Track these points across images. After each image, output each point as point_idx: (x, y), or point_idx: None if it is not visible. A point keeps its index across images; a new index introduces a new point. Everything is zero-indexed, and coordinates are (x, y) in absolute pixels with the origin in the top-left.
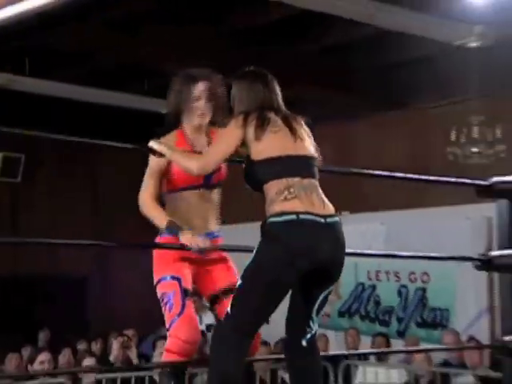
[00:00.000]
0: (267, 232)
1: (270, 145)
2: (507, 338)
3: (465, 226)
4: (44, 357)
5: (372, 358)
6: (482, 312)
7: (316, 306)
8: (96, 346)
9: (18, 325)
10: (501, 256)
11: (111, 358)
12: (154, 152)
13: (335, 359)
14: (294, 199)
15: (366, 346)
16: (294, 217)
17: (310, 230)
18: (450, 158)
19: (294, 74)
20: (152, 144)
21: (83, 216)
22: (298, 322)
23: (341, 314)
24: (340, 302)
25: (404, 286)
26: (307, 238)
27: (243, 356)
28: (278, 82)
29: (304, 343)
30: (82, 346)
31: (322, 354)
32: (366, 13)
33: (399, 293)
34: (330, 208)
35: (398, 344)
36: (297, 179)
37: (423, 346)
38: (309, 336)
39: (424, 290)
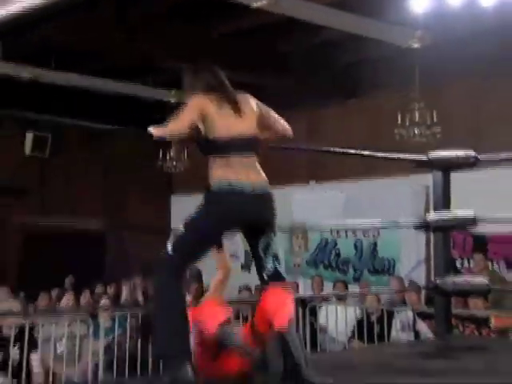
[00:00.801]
0: (206, 195)
1: (219, 125)
2: (438, 281)
3: (408, 193)
4: (68, 297)
5: (333, 300)
6: (420, 261)
7: (260, 249)
8: (110, 290)
9: (49, 272)
10: (435, 219)
11: (122, 299)
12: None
13: (304, 301)
14: (230, 171)
15: (328, 289)
16: (227, 187)
17: (240, 198)
18: (397, 138)
19: (273, 66)
20: (150, 129)
21: (97, 185)
22: (256, 263)
23: (308, 264)
24: (308, 254)
25: (359, 241)
26: (237, 205)
27: (182, 286)
28: (257, 71)
29: (265, 277)
30: (98, 289)
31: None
32: (327, 19)
33: (355, 246)
34: (262, 180)
35: (353, 287)
36: (236, 157)
37: (374, 288)
38: (269, 272)
39: (375, 244)
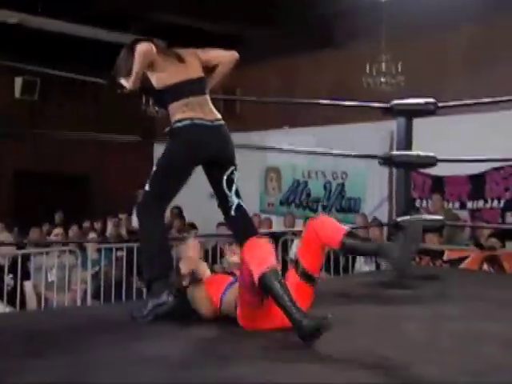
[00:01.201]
0: (171, 134)
1: (168, 74)
2: (399, 219)
3: (375, 138)
4: (58, 231)
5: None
6: (383, 200)
7: (224, 184)
8: (97, 225)
9: (40, 210)
10: (398, 155)
11: (107, 234)
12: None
13: (277, 235)
14: (190, 111)
15: (299, 226)
16: (189, 121)
17: (202, 130)
18: (365, 86)
19: (249, 17)
20: (122, 81)
21: (87, 126)
22: (220, 199)
23: (281, 203)
24: (281, 194)
25: (328, 182)
26: (200, 136)
27: (163, 217)
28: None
29: (232, 213)
30: (86, 224)
31: (266, 231)
32: None
33: (324, 187)
34: (217, 116)
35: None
36: (192, 98)
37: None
38: (234, 207)
39: (343, 184)
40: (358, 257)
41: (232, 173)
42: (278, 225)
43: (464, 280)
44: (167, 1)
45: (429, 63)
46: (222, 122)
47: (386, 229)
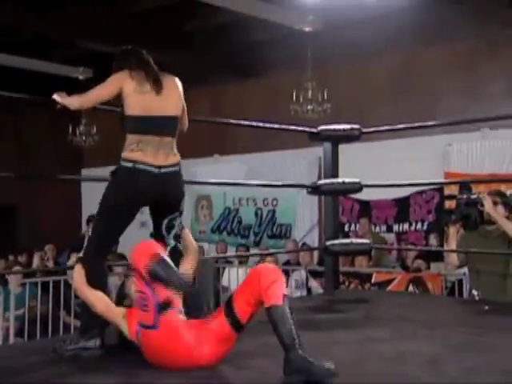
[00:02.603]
0: (113, 172)
1: (137, 103)
2: (328, 243)
3: (303, 164)
4: None
5: (235, 262)
6: (313, 225)
7: (163, 227)
8: (22, 258)
9: None
10: (325, 184)
11: (34, 266)
12: (56, 103)
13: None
14: (138, 151)
15: (231, 253)
16: (131, 164)
17: (141, 176)
18: (293, 113)
19: (176, 45)
20: (55, 96)
21: (8, 159)
22: (156, 236)
23: (213, 231)
24: (212, 222)
25: (259, 209)
26: (137, 183)
27: (104, 270)
28: (161, 49)
29: (167, 253)
30: (10, 258)
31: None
32: (225, 0)
33: (256, 214)
34: (170, 161)
35: (254, 250)
36: (149, 137)
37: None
38: (168, 248)
39: (274, 211)
40: (288, 282)
41: (174, 218)
42: (209, 253)
43: (391, 302)
44: (93, 29)
45: (353, 90)
46: (174, 168)
47: (316, 253)
